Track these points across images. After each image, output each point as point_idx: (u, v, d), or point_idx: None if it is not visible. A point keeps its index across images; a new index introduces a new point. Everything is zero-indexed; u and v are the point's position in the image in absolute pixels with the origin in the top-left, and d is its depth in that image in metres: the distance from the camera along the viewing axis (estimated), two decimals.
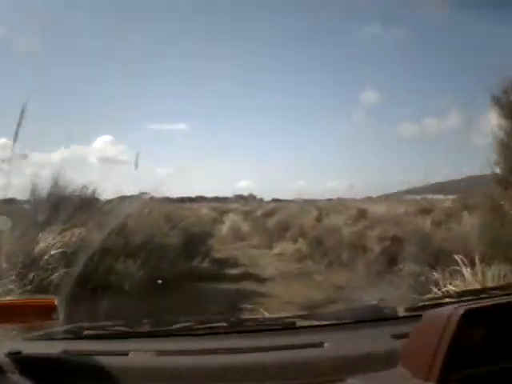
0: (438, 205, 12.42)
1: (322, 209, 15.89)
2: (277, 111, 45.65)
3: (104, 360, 1.11)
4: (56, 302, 1.18)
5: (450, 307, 0.99)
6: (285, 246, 13.18)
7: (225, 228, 17.47)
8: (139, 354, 1.15)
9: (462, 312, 0.94)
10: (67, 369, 1.10)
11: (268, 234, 15.20)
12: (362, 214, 12.59)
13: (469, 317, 0.95)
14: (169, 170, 30.24)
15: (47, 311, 1.16)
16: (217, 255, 11.78)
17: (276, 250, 13.29)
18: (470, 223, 6.88)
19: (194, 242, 8.91)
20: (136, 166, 7.21)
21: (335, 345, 1.18)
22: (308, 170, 44.07)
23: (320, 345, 1.18)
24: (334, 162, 42.65)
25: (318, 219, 13.95)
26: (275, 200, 29.23)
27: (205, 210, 20.45)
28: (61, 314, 1.18)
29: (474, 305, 1.01)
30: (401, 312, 1.41)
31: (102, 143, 29.11)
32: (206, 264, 6.95)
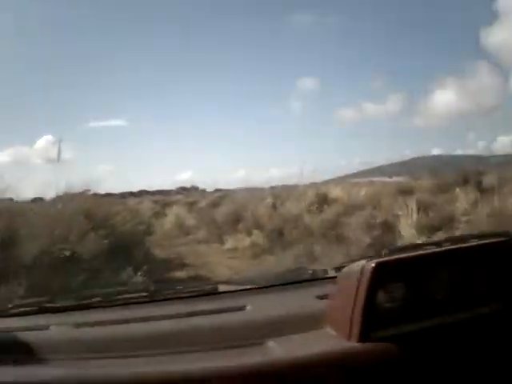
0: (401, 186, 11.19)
1: (276, 196, 14.34)
2: (214, 102, 44.20)
3: (27, 335, 1.12)
4: None
5: (362, 262, 0.94)
6: (238, 240, 11.45)
7: (168, 222, 15.59)
8: (60, 327, 1.16)
9: (373, 265, 0.89)
10: None
11: (217, 227, 13.43)
12: (323, 199, 11.13)
13: (382, 270, 0.88)
14: (110, 167, 29.16)
15: None
16: (158, 254, 10.25)
17: (228, 245, 11.53)
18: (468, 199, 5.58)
19: (127, 244, 6.91)
20: (58, 159, 6.89)
21: (257, 308, 1.14)
22: (248, 158, 43.18)
23: (242, 308, 1.15)
24: (274, 150, 41.99)
25: (274, 207, 12.35)
26: (218, 190, 28.04)
27: (146, 204, 19.00)
28: None
29: (386, 258, 0.94)
30: (330, 273, 1.33)
31: (45, 143, 28.73)
32: (141, 274, 5.11)
